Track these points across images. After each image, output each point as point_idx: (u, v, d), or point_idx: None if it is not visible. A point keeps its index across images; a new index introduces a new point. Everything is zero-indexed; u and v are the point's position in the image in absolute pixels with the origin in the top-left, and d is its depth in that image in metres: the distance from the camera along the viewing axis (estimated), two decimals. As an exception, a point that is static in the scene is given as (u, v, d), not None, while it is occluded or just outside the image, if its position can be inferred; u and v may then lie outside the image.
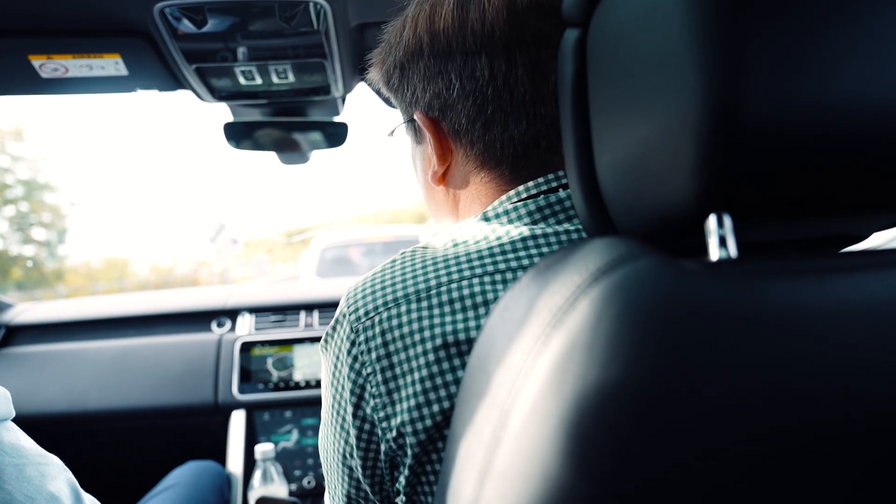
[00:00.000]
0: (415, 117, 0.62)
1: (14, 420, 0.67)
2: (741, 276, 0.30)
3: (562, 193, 0.55)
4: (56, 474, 0.65)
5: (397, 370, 0.50)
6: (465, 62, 0.56)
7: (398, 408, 0.50)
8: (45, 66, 0.93)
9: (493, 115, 0.56)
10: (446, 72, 0.57)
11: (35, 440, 0.68)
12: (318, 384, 1.56)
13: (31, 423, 1.46)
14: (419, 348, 0.50)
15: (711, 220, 0.33)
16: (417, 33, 0.58)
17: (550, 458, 0.28)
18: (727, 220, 0.33)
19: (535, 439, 0.29)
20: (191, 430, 1.55)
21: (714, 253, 0.33)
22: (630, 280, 0.30)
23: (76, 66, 0.94)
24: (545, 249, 0.53)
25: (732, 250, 0.33)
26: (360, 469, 0.55)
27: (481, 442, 0.32)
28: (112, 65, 0.95)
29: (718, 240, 0.33)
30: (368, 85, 1.22)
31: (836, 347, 0.29)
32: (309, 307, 1.70)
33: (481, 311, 0.50)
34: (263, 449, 1.32)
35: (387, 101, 1.25)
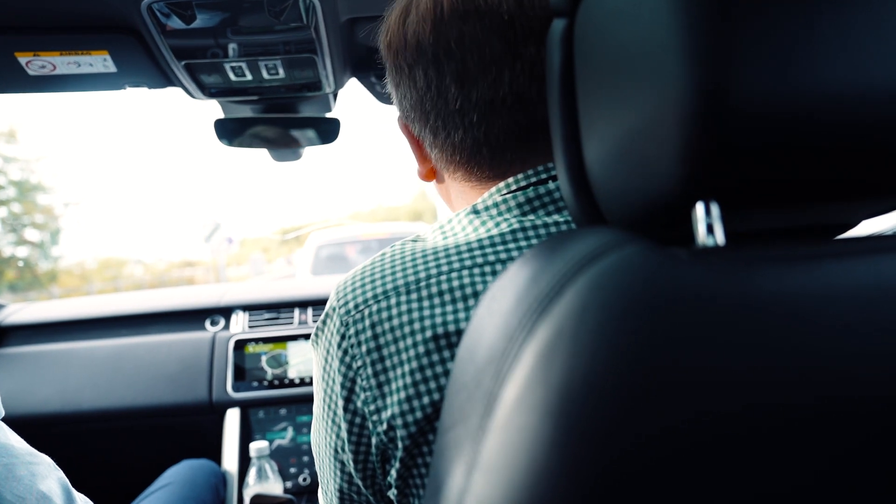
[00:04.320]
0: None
1: (7, 421, 0.67)
2: (728, 262, 0.30)
3: (551, 185, 0.55)
4: (47, 474, 0.65)
5: (387, 363, 0.50)
6: (410, 74, 0.58)
7: (388, 401, 0.50)
8: (32, 63, 0.93)
9: (436, 123, 0.58)
10: (401, 83, 0.60)
11: (28, 441, 0.68)
12: (312, 381, 1.56)
13: (24, 423, 1.45)
14: (409, 340, 0.50)
15: (699, 208, 0.33)
16: (383, 46, 0.61)
17: (537, 448, 0.28)
18: (714, 208, 0.33)
19: (522, 429, 0.29)
20: (185, 429, 1.54)
21: (702, 241, 0.33)
22: (616, 268, 0.29)
23: (63, 63, 0.93)
24: (534, 241, 0.53)
25: (720, 238, 0.33)
26: (351, 463, 0.54)
27: (469, 432, 0.32)
28: (100, 62, 0.94)
29: (706, 228, 0.33)
30: (360, 81, 1.22)
31: (823, 332, 0.29)
32: (303, 304, 1.70)
33: (471, 302, 0.50)
34: (258, 446, 1.32)
35: (378, 97, 1.25)
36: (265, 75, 1.02)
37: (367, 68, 1.12)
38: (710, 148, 0.31)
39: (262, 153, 1.34)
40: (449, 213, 0.68)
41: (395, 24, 0.58)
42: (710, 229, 0.33)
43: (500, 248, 0.52)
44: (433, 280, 0.51)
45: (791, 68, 0.30)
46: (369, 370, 0.51)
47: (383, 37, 0.60)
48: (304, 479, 1.51)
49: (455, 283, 0.50)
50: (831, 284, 0.30)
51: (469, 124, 0.56)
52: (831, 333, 0.29)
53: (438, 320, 0.49)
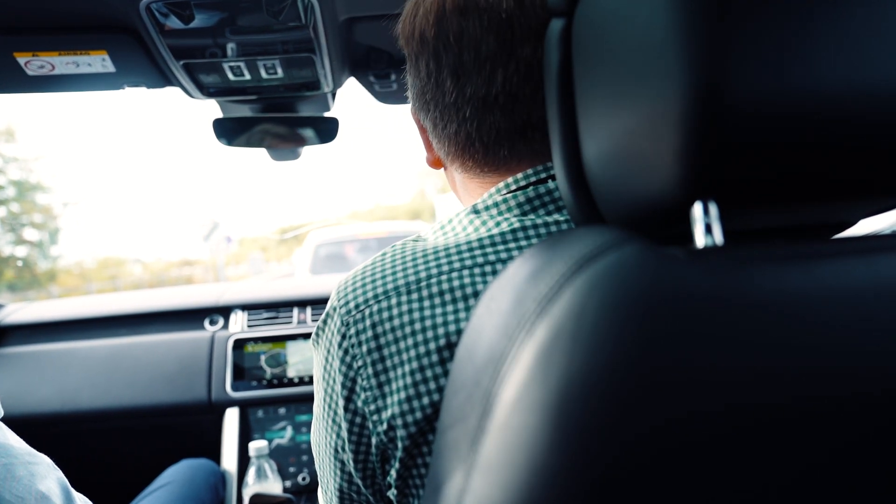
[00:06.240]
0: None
1: (5, 421, 0.67)
2: (726, 262, 0.30)
3: (550, 184, 0.55)
4: (46, 473, 0.65)
5: (388, 363, 0.50)
6: (415, 63, 0.60)
7: (389, 401, 0.50)
8: (31, 63, 0.93)
9: (434, 113, 0.59)
10: (409, 72, 0.62)
11: (27, 441, 0.68)
12: (311, 380, 1.56)
13: (23, 423, 1.45)
14: (409, 341, 0.50)
15: (697, 208, 0.33)
16: (400, 36, 0.63)
17: (536, 448, 0.28)
18: (713, 208, 0.33)
19: (520, 429, 0.29)
20: (184, 429, 1.54)
21: (700, 240, 0.33)
22: (614, 267, 0.29)
23: (62, 63, 0.93)
24: (534, 240, 0.53)
25: (718, 238, 0.33)
26: (351, 462, 0.54)
27: (468, 432, 0.32)
28: (99, 62, 0.94)
29: (704, 227, 0.33)
30: (358, 80, 1.22)
31: (820, 331, 0.29)
32: (302, 303, 1.70)
33: (471, 302, 0.50)
34: (257, 446, 1.32)
35: (376, 96, 1.25)
36: (264, 75, 1.02)
37: (365, 67, 1.12)
38: (707, 147, 0.31)
39: (261, 152, 1.34)
40: (449, 211, 0.68)
41: (408, 15, 0.60)
42: (708, 229, 0.33)
43: (500, 247, 0.52)
44: (433, 280, 0.51)
45: (788, 67, 0.31)
46: (370, 370, 0.51)
47: (400, 27, 0.62)
48: (304, 479, 1.51)
49: (455, 283, 0.50)
50: (829, 284, 0.30)
51: (462, 118, 0.57)
52: (829, 332, 0.29)
53: (439, 320, 0.49)
